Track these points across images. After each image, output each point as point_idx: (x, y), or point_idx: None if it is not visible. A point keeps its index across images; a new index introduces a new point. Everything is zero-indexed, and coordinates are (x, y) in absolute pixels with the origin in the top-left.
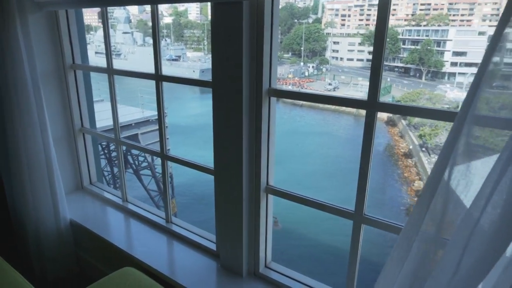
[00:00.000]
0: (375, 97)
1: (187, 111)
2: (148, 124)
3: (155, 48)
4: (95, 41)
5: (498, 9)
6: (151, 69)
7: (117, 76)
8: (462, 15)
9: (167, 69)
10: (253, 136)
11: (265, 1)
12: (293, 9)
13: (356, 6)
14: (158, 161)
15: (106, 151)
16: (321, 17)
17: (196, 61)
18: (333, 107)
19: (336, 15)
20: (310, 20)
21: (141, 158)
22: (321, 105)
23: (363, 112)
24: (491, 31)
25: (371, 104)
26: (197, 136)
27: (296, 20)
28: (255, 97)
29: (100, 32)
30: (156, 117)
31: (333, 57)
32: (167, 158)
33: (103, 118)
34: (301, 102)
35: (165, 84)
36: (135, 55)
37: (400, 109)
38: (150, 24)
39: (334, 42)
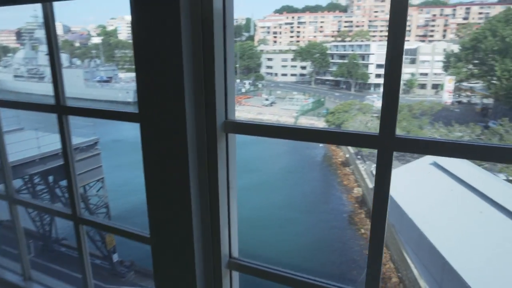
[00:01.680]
0: (390, 131)
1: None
2: (78, 152)
3: (53, 70)
4: (13, 63)
5: (410, 26)
6: (78, 93)
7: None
8: (381, 31)
9: (97, 91)
10: (205, 189)
11: (213, 2)
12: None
13: (286, 24)
14: (92, 191)
15: (29, 185)
16: (254, 35)
17: (129, 82)
18: (272, 121)
19: (268, 32)
20: (243, 38)
21: None
22: (259, 120)
23: (301, 124)
24: (406, 45)
25: (386, 142)
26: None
27: None
28: (205, 135)
29: (20, 54)
30: (86, 144)
31: (268, 73)
32: (82, 222)
33: (23, 148)
34: (239, 118)
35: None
36: None
37: (421, 145)
38: (77, 44)
39: (268, 59)
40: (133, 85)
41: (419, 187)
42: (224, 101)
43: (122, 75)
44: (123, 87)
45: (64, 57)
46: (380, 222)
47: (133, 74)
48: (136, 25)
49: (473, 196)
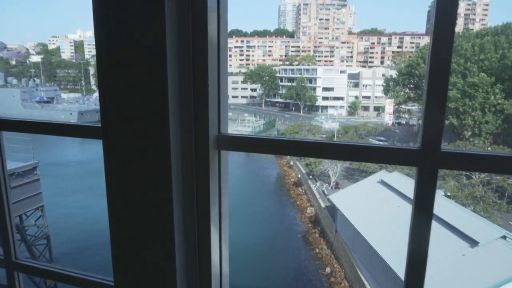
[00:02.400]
0: (435, 144)
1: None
2: (13, 179)
3: None
4: None
5: (351, 52)
6: (14, 114)
7: None
8: (326, 56)
9: (37, 112)
10: (192, 226)
11: None
12: None
13: (236, 47)
14: (30, 220)
15: None
16: None
17: (72, 103)
18: None
19: None
20: None
21: None
22: None
23: None
24: (349, 70)
25: (430, 157)
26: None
27: None
28: (194, 154)
29: None
30: (23, 170)
31: None
32: (16, 267)
33: None
34: None
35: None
36: None
37: (472, 161)
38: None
39: None
40: (76, 106)
41: (369, 205)
42: (217, 112)
43: (64, 95)
44: (66, 108)
45: None
46: (421, 252)
47: (77, 95)
48: (102, 13)
49: None
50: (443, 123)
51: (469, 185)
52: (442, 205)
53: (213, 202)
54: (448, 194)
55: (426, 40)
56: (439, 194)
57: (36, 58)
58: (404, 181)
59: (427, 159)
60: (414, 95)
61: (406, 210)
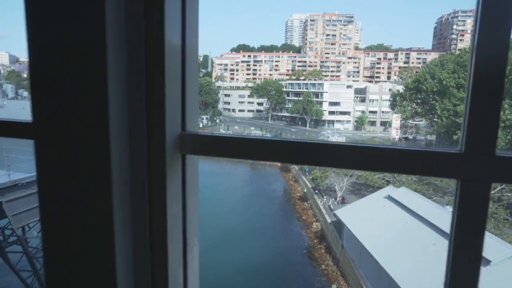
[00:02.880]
0: (487, 147)
1: None
2: (17, 189)
3: None
4: None
5: (358, 67)
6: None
7: None
8: (332, 71)
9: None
10: (144, 255)
11: None
12: None
13: (243, 61)
14: (33, 232)
15: None
16: (211, 71)
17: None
18: None
19: (225, 69)
20: (201, 74)
21: (7, 232)
22: None
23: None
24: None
25: (480, 162)
26: None
27: None
28: (147, 158)
29: None
30: (27, 181)
31: (225, 109)
32: None
33: None
34: None
35: None
36: (4, 109)
37: None
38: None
39: (225, 95)
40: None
41: (376, 220)
42: (180, 106)
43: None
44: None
45: (9, 88)
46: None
47: None
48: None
49: (426, 229)
50: (499, 116)
51: None
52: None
53: (173, 224)
54: None
55: (432, 56)
56: (446, 210)
57: None
58: (412, 196)
59: (475, 167)
60: (421, 110)
61: (414, 226)
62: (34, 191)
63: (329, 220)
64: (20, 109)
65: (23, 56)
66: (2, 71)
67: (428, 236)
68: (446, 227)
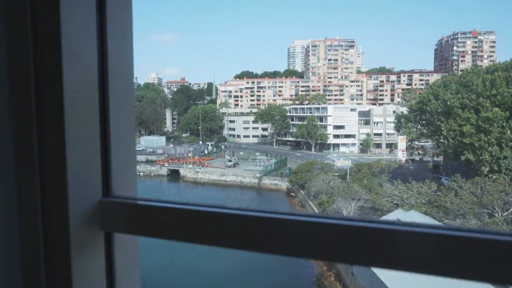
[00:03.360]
0: None
1: None
2: None
3: None
4: None
5: (361, 91)
6: None
7: None
8: (335, 95)
9: None
10: None
11: None
12: (188, 91)
13: (246, 88)
14: None
15: None
16: (216, 98)
17: None
18: (235, 182)
19: (230, 96)
20: (205, 101)
21: None
22: (223, 182)
23: (265, 184)
24: (360, 108)
25: None
26: None
27: (192, 102)
28: (41, 241)
29: None
30: None
31: (230, 135)
32: None
33: None
34: (203, 180)
35: None
36: None
37: None
38: None
39: (230, 121)
40: None
41: None
42: (99, 155)
43: None
44: None
45: None
46: None
47: None
48: None
49: None
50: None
51: (492, 223)
52: None
53: None
54: None
55: (435, 77)
56: None
57: None
58: (421, 219)
59: None
60: (427, 131)
61: None
62: None
63: None
64: None
65: None
66: None
67: None
68: None
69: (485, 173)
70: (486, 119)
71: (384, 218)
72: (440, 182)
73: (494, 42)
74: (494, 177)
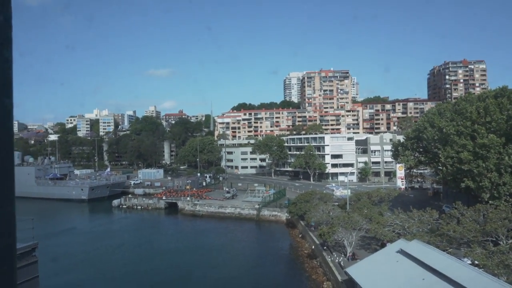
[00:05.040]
0: None
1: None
2: None
3: None
4: None
5: (357, 120)
6: (28, 191)
7: None
8: (332, 124)
9: (48, 189)
10: None
11: None
12: (186, 123)
13: (244, 119)
14: None
15: None
16: (213, 130)
17: (85, 178)
18: (234, 214)
19: (227, 128)
20: (203, 133)
21: None
22: (221, 214)
23: (264, 216)
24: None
25: None
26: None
27: (190, 134)
28: None
29: None
30: (23, 251)
31: (228, 166)
32: None
33: None
34: (201, 212)
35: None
36: None
37: None
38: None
39: (228, 152)
40: (88, 182)
41: (390, 277)
42: None
43: (77, 171)
44: (78, 183)
45: (16, 155)
46: None
47: (90, 171)
48: None
49: (445, 285)
50: None
51: (498, 252)
52: (473, 277)
53: None
54: (476, 262)
55: (429, 105)
56: (464, 263)
57: (53, 137)
58: (425, 250)
59: None
60: (424, 159)
61: (432, 283)
62: (28, 262)
63: (340, 279)
64: (26, 175)
65: (32, 123)
66: None
67: None
68: (467, 282)
69: (486, 199)
70: (483, 146)
71: (387, 247)
72: (441, 210)
73: (484, 70)
74: (495, 203)
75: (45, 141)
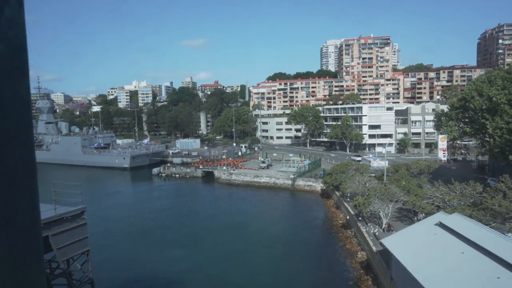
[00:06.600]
0: None
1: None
2: (62, 223)
3: None
4: None
5: (397, 89)
6: (75, 160)
7: None
8: (370, 94)
9: (94, 158)
10: None
11: None
12: (222, 94)
13: (279, 89)
14: (76, 265)
15: None
16: (249, 101)
17: (126, 148)
18: (269, 184)
19: (262, 98)
20: (239, 104)
21: (54, 264)
22: (257, 183)
23: (299, 186)
24: (396, 107)
25: None
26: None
27: (225, 104)
28: None
29: None
30: (73, 214)
31: (263, 137)
32: None
33: None
34: (236, 181)
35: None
36: (59, 145)
37: None
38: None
39: (263, 123)
40: (129, 151)
41: (427, 250)
42: None
43: (119, 141)
44: (119, 153)
45: (63, 125)
46: None
47: (131, 140)
48: None
49: (486, 260)
50: None
51: None
52: None
53: None
54: None
55: (478, 73)
56: (509, 238)
57: (96, 109)
58: (466, 223)
59: None
60: (470, 130)
61: (472, 257)
62: (78, 224)
63: (375, 249)
64: (73, 144)
65: (76, 95)
66: (58, 110)
67: (490, 268)
68: (510, 256)
69: None
70: None
71: (426, 219)
72: (486, 183)
73: None
74: None
75: (89, 112)
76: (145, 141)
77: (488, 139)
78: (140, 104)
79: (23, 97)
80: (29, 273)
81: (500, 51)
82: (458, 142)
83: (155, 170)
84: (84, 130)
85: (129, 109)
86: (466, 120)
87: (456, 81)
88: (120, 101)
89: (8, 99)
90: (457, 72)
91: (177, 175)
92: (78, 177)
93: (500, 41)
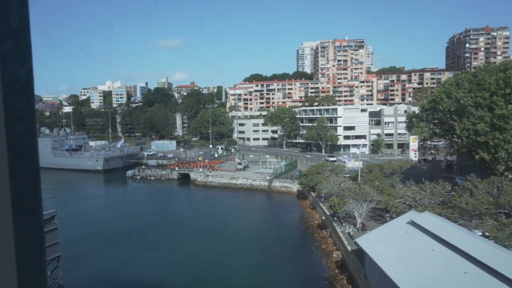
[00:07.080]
0: None
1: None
2: None
3: None
4: None
5: (371, 91)
6: (44, 162)
7: None
8: (345, 95)
9: (65, 160)
10: None
11: None
12: (198, 95)
13: (256, 91)
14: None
15: None
16: (225, 102)
17: (100, 150)
18: (246, 185)
19: (239, 99)
20: (215, 105)
21: None
22: (233, 185)
23: (275, 187)
24: (370, 108)
25: None
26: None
27: (202, 105)
28: None
29: None
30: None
31: (240, 138)
32: None
33: None
34: (213, 183)
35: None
36: None
37: None
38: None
39: (240, 124)
40: (103, 153)
41: (400, 248)
42: None
43: (92, 143)
44: (93, 155)
45: None
46: None
47: (104, 142)
48: None
49: (455, 256)
50: None
51: (509, 224)
52: (483, 248)
53: None
54: (487, 234)
55: (446, 75)
56: (475, 235)
57: (68, 109)
58: (436, 221)
59: None
60: (439, 131)
61: (441, 253)
62: (48, 229)
63: (350, 249)
64: (42, 146)
65: (46, 95)
66: None
67: (458, 264)
68: (477, 253)
69: (501, 171)
70: (501, 117)
71: (398, 218)
72: (454, 182)
73: (508, 38)
74: (510, 175)
75: (60, 112)
76: (119, 142)
77: (456, 139)
78: (114, 105)
79: (29, 83)
80: (32, 272)
81: (467, 55)
82: (428, 142)
83: (129, 173)
84: (55, 132)
85: (102, 110)
86: (436, 121)
87: (427, 83)
88: (93, 102)
89: (12, 83)
90: (427, 75)
91: (152, 178)
92: (48, 180)
93: (467, 45)
